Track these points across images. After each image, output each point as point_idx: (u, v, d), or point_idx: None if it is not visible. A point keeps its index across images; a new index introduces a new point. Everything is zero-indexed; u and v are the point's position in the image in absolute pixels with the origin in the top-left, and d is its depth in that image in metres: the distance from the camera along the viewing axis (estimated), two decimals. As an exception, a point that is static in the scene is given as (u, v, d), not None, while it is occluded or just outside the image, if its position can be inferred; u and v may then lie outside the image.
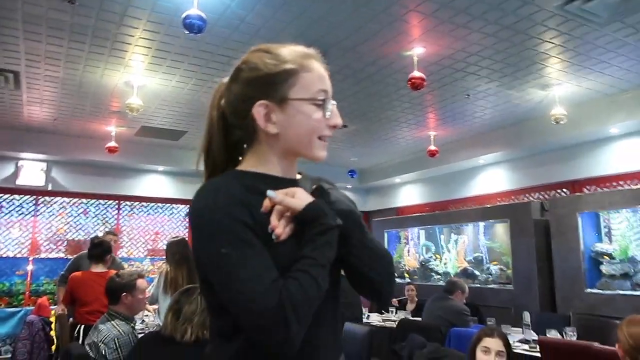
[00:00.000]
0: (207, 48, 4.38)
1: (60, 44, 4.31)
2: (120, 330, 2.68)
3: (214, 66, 4.76)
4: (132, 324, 2.91)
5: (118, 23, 3.94)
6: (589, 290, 5.04)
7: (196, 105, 5.88)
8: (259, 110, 0.98)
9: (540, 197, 6.98)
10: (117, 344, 2.60)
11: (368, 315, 5.87)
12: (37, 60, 4.65)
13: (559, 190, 6.85)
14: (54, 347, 4.49)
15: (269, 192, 0.92)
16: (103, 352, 2.54)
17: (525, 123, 6.53)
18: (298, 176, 1.08)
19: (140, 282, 2.91)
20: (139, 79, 5.05)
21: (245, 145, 1.05)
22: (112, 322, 2.76)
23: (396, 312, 5.88)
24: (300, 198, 0.94)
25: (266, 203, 0.92)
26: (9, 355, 3.98)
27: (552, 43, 4.27)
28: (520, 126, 6.60)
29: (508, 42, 4.26)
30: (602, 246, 5.23)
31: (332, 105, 1.01)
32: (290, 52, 1.01)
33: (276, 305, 0.83)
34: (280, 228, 0.92)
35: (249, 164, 1.02)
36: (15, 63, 4.72)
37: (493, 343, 2.24)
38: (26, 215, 7.65)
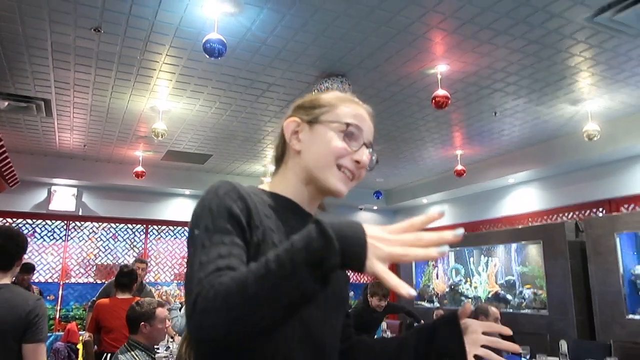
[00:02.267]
0: (229, 72, 4.41)
1: (88, 72, 4.41)
2: (141, 361, 2.63)
3: (237, 89, 4.79)
4: (152, 355, 2.85)
5: (142, 49, 4.01)
6: (630, 316, 4.76)
7: (220, 128, 5.92)
8: (289, 125, 1.00)
9: (574, 217, 6.70)
10: (137, 374, 2.55)
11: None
12: (66, 88, 4.78)
13: (594, 210, 6.56)
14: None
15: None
16: (123, 382, 2.49)
17: (556, 140, 6.32)
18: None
19: (160, 312, 2.86)
20: (164, 104, 5.12)
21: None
22: (132, 352, 2.71)
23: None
24: None
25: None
26: None
27: (582, 57, 4.13)
28: (550, 143, 6.39)
29: (535, 57, 4.14)
30: (644, 268, 4.94)
31: (364, 147, 0.98)
32: (337, 94, 1.04)
33: (194, 294, 0.70)
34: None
35: (270, 184, 1.02)
36: (46, 91, 4.85)
37: None
38: (57, 240, 7.80)
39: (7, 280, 2.23)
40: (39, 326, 2.16)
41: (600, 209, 6.47)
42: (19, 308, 2.13)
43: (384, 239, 0.69)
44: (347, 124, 0.97)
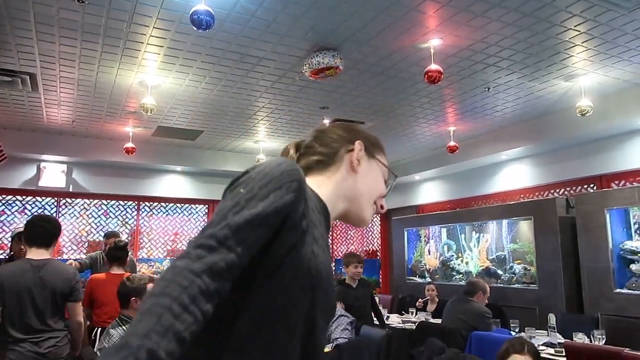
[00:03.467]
0: (218, 45, 4.32)
1: (74, 45, 4.30)
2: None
3: (227, 63, 4.70)
4: None
5: (128, 21, 3.91)
6: (618, 290, 4.83)
7: (211, 104, 5.84)
8: (359, 145, 1.06)
9: (566, 193, 6.74)
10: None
11: (388, 317, 5.75)
12: (52, 62, 4.67)
13: (585, 186, 6.59)
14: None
15: None
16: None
17: (549, 116, 6.30)
18: None
19: (151, 287, 2.86)
20: (153, 78, 5.02)
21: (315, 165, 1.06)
22: (123, 327, 2.72)
23: (416, 313, 5.75)
24: None
25: None
26: None
27: (577, 31, 4.07)
28: (543, 119, 6.37)
29: (529, 31, 4.08)
30: (632, 244, 5.00)
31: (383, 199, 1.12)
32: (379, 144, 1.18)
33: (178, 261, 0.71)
34: None
35: (322, 185, 1.03)
36: (31, 65, 4.74)
37: None
38: (48, 216, 7.75)
39: (49, 255, 2.93)
40: (79, 289, 2.99)
41: (592, 185, 6.50)
42: (67, 275, 2.92)
43: None
44: (392, 175, 1.14)
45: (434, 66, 4.26)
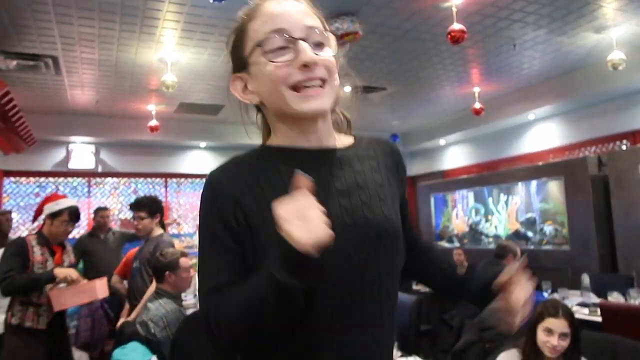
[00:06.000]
0: (235, 17, 4.25)
1: (92, 25, 4.31)
2: (168, 309, 2.71)
3: (245, 36, 4.64)
4: (179, 302, 2.94)
5: (144, -2, 3.88)
6: (654, 247, 4.71)
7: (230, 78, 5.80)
8: (235, 85, 0.93)
9: (597, 151, 6.54)
10: (165, 322, 2.64)
11: (417, 282, 5.77)
12: (72, 44, 4.69)
13: (617, 143, 6.38)
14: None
15: None
16: (152, 331, 2.59)
17: (578, 72, 6.06)
18: (346, 142, 0.96)
19: (184, 261, 2.94)
20: (172, 54, 5.01)
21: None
22: (159, 300, 2.80)
23: (446, 278, 5.75)
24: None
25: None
26: (74, 331, 4.19)
27: (608, -21, 3.86)
28: (572, 75, 6.14)
29: (557, -17, 3.89)
30: (669, 200, 4.84)
31: (301, 44, 0.83)
32: (240, 15, 0.92)
33: (204, 314, 0.82)
34: None
35: (272, 138, 0.94)
36: (53, 48, 4.78)
37: (557, 324, 1.97)
38: (81, 197, 7.96)
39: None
40: None
41: (624, 142, 6.28)
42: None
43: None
44: (260, 43, 0.85)
45: (456, 25, 4.11)
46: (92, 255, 4.72)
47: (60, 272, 2.94)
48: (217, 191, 0.86)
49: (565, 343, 1.98)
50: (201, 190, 0.89)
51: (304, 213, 0.72)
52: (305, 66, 0.83)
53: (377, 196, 0.89)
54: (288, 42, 0.84)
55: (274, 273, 0.73)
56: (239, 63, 0.91)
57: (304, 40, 0.84)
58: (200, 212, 0.89)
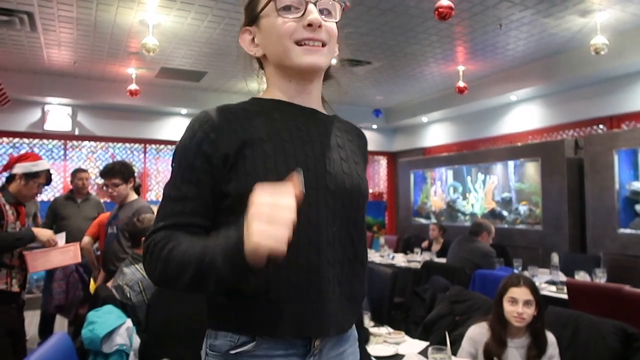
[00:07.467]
0: (220, -19, 4.15)
1: (70, -19, 4.15)
2: (144, 274, 2.71)
3: (231, 0, 4.54)
4: None
5: (126, -44, 3.74)
6: (621, 230, 4.87)
7: (214, 44, 5.69)
8: (244, 38, 1.03)
9: (575, 134, 6.66)
10: (141, 287, 2.64)
11: (393, 256, 5.88)
12: (49, 0, 4.52)
13: (595, 127, 6.50)
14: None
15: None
16: (128, 295, 2.59)
17: (561, 55, 6.11)
18: (329, 113, 1.07)
19: None
20: (153, 16, 4.87)
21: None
22: (136, 265, 2.79)
23: (421, 253, 5.86)
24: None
25: None
26: (40, 294, 4.14)
27: (597, -38, 3.86)
28: (556, 58, 6.19)
29: (546, -37, 3.88)
30: (639, 185, 4.99)
31: (308, 5, 0.94)
32: None
33: (148, 243, 0.89)
34: None
35: (266, 92, 1.04)
36: (28, 2, 4.59)
37: (520, 292, 2.12)
38: (56, 160, 7.80)
39: None
40: None
41: (601, 126, 6.41)
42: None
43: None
44: (285, 3, 0.94)
45: (444, 2, 4.08)
46: (64, 219, 4.66)
47: (41, 233, 2.90)
48: (207, 125, 0.92)
49: (530, 311, 2.09)
50: (189, 126, 0.94)
51: (276, 212, 0.73)
52: (310, 25, 0.92)
53: (353, 161, 1.02)
54: (299, 3, 0.94)
55: (218, 265, 0.79)
56: (251, 17, 1.00)
57: (313, 3, 0.94)
58: (182, 142, 0.93)
